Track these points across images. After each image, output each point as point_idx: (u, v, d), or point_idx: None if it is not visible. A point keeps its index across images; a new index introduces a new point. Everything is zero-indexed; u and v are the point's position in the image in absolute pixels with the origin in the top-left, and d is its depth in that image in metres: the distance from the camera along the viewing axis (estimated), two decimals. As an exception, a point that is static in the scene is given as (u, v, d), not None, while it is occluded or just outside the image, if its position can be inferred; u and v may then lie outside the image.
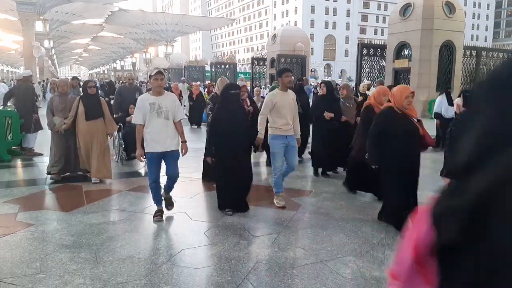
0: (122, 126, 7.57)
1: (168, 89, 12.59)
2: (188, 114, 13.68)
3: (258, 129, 4.98)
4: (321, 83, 7.10)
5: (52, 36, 41.34)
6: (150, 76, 4.44)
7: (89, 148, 6.05)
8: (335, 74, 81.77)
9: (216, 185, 4.93)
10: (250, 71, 30.29)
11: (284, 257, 3.65)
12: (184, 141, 4.55)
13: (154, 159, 4.41)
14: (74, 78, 11.45)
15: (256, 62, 28.31)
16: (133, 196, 5.51)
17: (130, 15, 47.41)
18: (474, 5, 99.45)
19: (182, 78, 27.75)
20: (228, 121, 4.63)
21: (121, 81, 26.54)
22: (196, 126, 13.53)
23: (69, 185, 6.13)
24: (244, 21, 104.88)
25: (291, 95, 5.17)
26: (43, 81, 27.87)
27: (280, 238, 4.09)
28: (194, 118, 13.78)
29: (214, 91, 7.31)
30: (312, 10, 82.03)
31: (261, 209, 5.00)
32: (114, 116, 7.61)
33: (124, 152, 7.53)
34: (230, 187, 4.72)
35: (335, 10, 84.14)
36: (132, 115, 7.33)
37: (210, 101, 6.06)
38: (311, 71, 51.35)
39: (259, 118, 5.11)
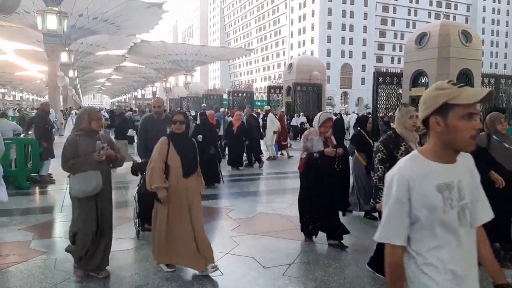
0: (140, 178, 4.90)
1: (202, 115, 9.00)
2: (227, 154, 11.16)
3: None
4: None
5: (77, 66, 42.97)
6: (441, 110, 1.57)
7: (177, 223, 3.74)
8: (352, 102, 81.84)
9: None
10: (266, 99, 30.57)
11: (294, 290, 3.56)
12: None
13: None
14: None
15: (272, 91, 28.66)
16: (146, 225, 5.52)
17: (152, 46, 49.03)
18: (492, 33, 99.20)
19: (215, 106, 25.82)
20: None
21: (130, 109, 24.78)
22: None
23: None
24: (261, 51, 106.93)
25: None
26: (66, 109, 28.75)
27: (291, 269, 4.00)
28: (234, 160, 10.55)
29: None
30: (329, 39, 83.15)
31: (272, 239, 4.92)
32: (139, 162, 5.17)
33: (138, 219, 4.90)
34: None
35: (351, 40, 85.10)
36: None
37: (383, 146, 3.59)
38: (328, 99, 51.57)
39: None
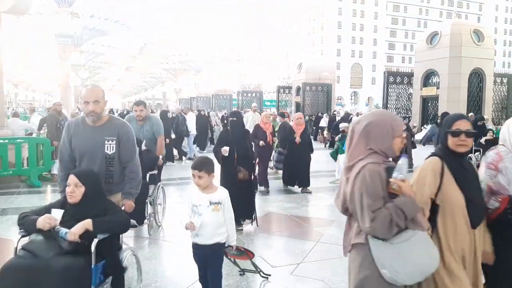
0: None
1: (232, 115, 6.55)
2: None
3: None
4: None
5: (88, 67, 43.42)
6: None
7: None
8: (362, 102, 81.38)
9: None
10: (276, 99, 30.58)
11: (302, 289, 3.55)
12: None
13: None
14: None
15: (281, 90, 28.64)
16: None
17: (162, 47, 49.32)
18: (505, 32, 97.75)
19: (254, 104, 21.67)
20: None
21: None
22: None
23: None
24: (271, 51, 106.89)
25: None
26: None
27: (299, 269, 3.99)
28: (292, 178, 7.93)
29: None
30: (339, 39, 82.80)
31: (280, 238, 4.92)
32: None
33: None
34: None
35: (361, 39, 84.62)
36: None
37: None
38: (338, 99, 51.36)
39: None
